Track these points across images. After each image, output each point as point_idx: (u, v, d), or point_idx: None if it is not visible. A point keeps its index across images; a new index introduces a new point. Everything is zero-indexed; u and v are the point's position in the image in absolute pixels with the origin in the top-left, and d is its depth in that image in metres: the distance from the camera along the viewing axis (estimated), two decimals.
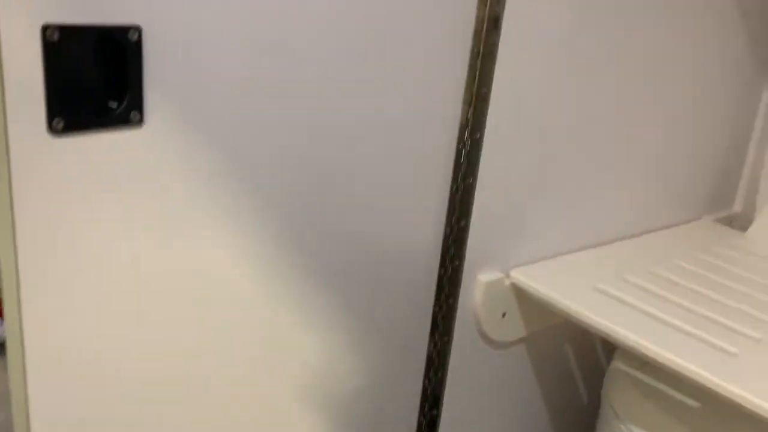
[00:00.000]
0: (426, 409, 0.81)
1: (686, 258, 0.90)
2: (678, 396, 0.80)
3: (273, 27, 0.55)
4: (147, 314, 0.56)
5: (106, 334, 0.54)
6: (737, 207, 1.11)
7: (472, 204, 0.74)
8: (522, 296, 0.82)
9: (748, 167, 1.09)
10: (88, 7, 0.46)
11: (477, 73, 0.69)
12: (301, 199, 0.62)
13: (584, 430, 1.04)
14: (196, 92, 0.52)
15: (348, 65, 0.60)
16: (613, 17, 0.80)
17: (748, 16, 0.96)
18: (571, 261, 0.87)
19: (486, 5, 0.67)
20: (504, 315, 0.83)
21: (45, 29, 0.45)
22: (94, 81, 0.48)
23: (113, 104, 0.49)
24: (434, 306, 0.77)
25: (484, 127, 0.72)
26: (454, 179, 0.73)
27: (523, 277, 0.81)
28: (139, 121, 0.50)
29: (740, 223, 1.08)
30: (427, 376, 0.80)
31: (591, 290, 0.79)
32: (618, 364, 0.86)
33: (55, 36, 0.45)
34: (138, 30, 0.48)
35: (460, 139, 0.71)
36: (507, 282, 0.82)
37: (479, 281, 0.80)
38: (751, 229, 1.00)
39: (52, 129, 0.47)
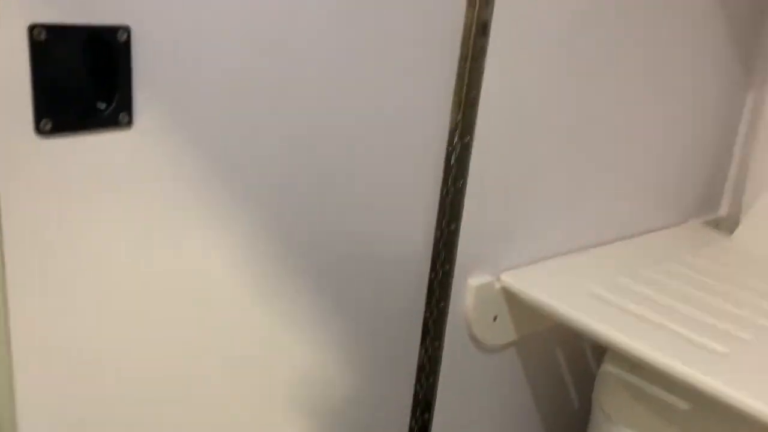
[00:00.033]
0: (418, 413, 0.81)
1: (674, 260, 0.91)
2: (669, 398, 0.80)
3: (264, 28, 0.55)
4: (137, 314, 0.55)
5: (93, 334, 0.54)
6: (723, 210, 1.12)
7: (462, 207, 0.74)
8: (513, 300, 0.82)
9: (734, 170, 1.10)
10: (77, 6, 0.46)
11: (466, 76, 0.69)
12: (291, 202, 0.62)
13: None
14: (185, 93, 0.52)
15: (338, 67, 0.60)
16: (602, 21, 0.81)
17: (731, 17, 0.98)
18: (560, 264, 0.87)
19: (474, 10, 0.67)
20: (495, 319, 0.83)
21: (32, 29, 0.44)
22: (82, 82, 0.47)
23: (102, 105, 0.48)
24: (425, 310, 0.77)
25: (474, 131, 0.72)
26: (444, 183, 0.73)
27: (513, 280, 0.81)
28: (128, 123, 0.50)
29: (727, 225, 1.09)
30: (418, 380, 0.79)
31: (581, 293, 0.79)
32: (608, 367, 0.86)
33: (43, 36, 0.45)
34: (127, 30, 0.48)
35: (450, 143, 0.71)
36: (498, 285, 0.82)
37: (470, 285, 0.79)
38: (737, 232, 1.01)
39: (39, 130, 0.46)
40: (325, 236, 0.65)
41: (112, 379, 0.55)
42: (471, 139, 0.72)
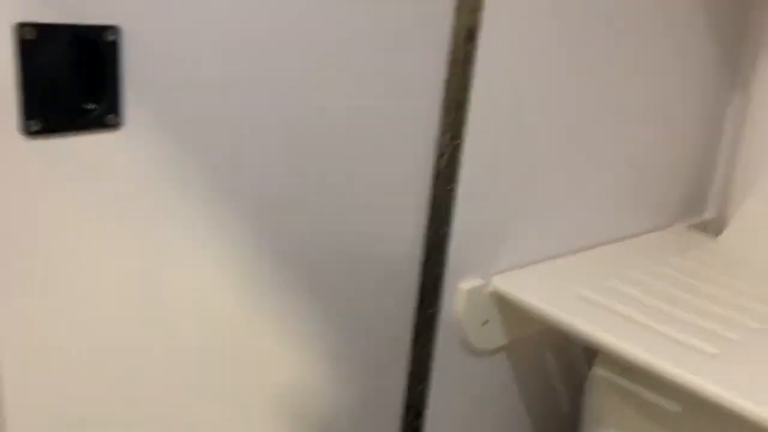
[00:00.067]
0: (409, 418, 0.80)
1: (662, 263, 0.91)
2: (659, 400, 0.80)
3: (255, 28, 0.54)
4: (125, 317, 0.55)
5: (80, 336, 0.53)
6: (709, 213, 1.13)
7: (453, 211, 0.74)
8: (503, 303, 0.82)
9: (720, 173, 1.11)
10: (66, 6, 0.45)
11: (455, 80, 0.70)
12: (280, 205, 0.61)
13: None
14: (176, 94, 0.52)
15: (329, 70, 0.60)
16: (590, 26, 0.81)
17: (714, 17, 0.99)
18: (550, 267, 0.87)
19: (463, 14, 0.68)
20: (486, 323, 0.83)
21: (20, 27, 0.44)
22: (70, 82, 0.47)
23: (90, 106, 0.48)
24: (415, 314, 0.77)
25: (464, 134, 0.72)
26: (435, 186, 0.73)
27: (504, 284, 0.81)
28: (117, 124, 0.49)
29: (713, 228, 1.10)
30: (409, 385, 0.79)
31: (571, 296, 0.79)
32: (599, 370, 0.86)
33: (31, 35, 0.44)
34: (116, 30, 0.47)
35: (440, 147, 0.71)
36: (488, 289, 0.82)
37: (461, 289, 0.79)
38: (723, 234, 1.02)
39: (26, 131, 0.46)
40: (314, 240, 0.65)
41: (112, 380, 0.55)
42: (461, 143, 0.72)
